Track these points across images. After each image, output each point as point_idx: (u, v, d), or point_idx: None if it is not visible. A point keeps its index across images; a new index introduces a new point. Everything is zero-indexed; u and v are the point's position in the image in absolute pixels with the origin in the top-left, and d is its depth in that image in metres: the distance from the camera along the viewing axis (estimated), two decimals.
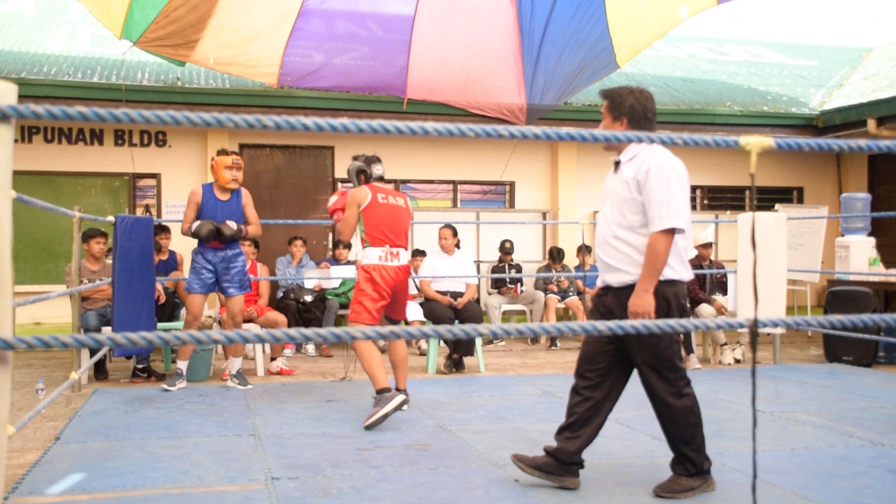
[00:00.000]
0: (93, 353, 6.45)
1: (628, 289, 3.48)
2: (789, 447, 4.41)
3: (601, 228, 3.66)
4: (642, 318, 3.35)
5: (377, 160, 5.48)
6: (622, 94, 3.57)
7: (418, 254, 9.41)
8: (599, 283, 3.70)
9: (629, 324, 2.13)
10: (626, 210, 3.50)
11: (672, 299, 3.47)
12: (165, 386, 6.12)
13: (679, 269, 3.50)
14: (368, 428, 4.81)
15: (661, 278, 3.43)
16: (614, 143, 3.58)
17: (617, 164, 3.62)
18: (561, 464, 3.64)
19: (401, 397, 4.90)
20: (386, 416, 4.82)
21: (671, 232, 3.37)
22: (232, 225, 6.03)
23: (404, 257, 5.25)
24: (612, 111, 3.61)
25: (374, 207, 5.23)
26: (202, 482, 3.72)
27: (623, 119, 3.56)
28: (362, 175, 5.44)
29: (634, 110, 3.54)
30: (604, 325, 2.23)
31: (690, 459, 3.56)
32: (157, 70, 9.60)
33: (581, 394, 3.66)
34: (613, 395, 3.70)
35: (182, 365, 6.27)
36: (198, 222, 6.00)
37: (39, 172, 9.32)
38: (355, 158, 5.53)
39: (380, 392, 4.94)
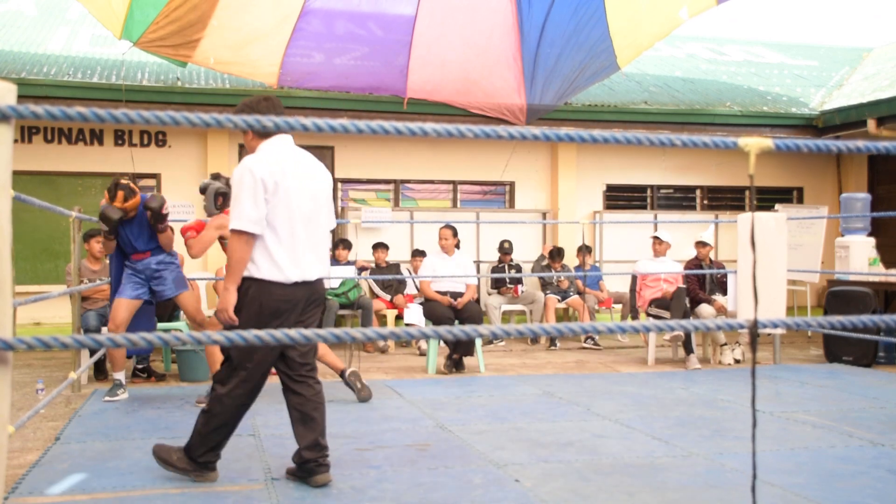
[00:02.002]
0: (92, 353, 6.44)
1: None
2: (789, 447, 4.41)
3: None
4: (222, 314, 3.57)
5: None
6: (238, 108, 3.75)
7: (418, 254, 9.41)
8: None
9: (630, 324, 2.13)
10: None
11: (255, 297, 3.54)
12: (107, 397, 5.76)
13: (266, 269, 3.53)
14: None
15: (246, 275, 3.55)
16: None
17: None
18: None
19: None
20: None
21: (241, 232, 3.49)
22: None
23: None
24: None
25: None
26: (202, 482, 3.72)
27: (247, 131, 3.73)
28: (220, 198, 5.63)
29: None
30: (603, 326, 2.23)
31: (191, 440, 3.68)
32: (156, 70, 9.60)
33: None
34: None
35: (119, 375, 5.88)
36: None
37: (39, 172, 9.32)
38: (215, 178, 5.73)
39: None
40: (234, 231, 3.50)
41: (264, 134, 3.66)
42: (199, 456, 3.68)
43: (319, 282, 3.74)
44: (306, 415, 3.73)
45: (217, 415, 3.63)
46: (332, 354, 5.92)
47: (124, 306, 5.70)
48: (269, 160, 3.57)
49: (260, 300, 3.54)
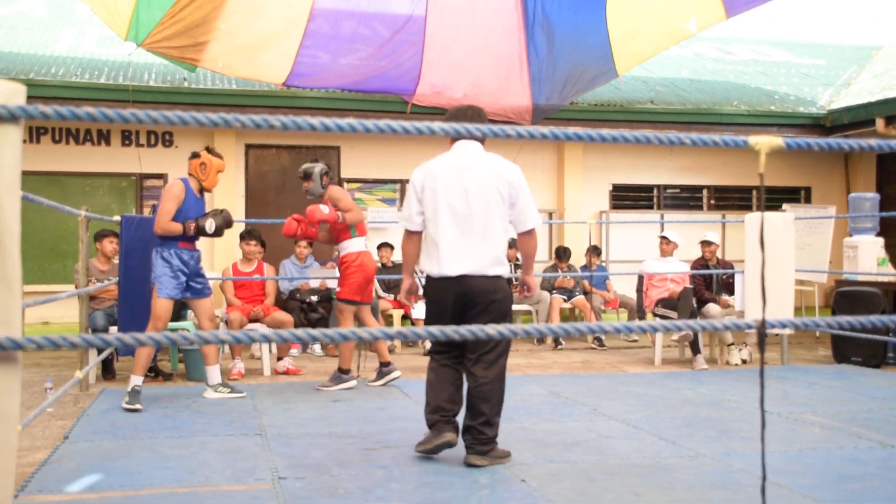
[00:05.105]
0: (100, 352, 6.46)
1: None
2: (797, 448, 4.40)
3: None
4: (403, 294, 4.44)
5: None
6: (448, 116, 4.31)
7: None
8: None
9: (637, 324, 2.13)
10: None
11: (426, 286, 4.21)
12: (135, 405, 5.35)
13: (423, 263, 4.18)
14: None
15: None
16: None
17: None
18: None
19: (354, 382, 6.24)
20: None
21: (405, 230, 4.28)
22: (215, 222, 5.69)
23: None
24: None
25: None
26: (209, 481, 3.73)
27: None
28: (325, 177, 6.24)
29: None
30: (610, 326, 2.22)
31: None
32: (163, 71, 9.62)
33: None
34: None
35: (137, 380, 5.46)
36: (209, 220, 5.60)
37: (47, 173, 9.35)
38: (314, 161, 6.35)
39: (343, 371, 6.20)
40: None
41: (454, 139, 4.16)
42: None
43: (472, 278, 3.96)
44: (468, 400, 4.06)
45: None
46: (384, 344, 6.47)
47: (170, 307, 5.59)
48: (426, 165, 4.17)
49: (427, 290, 4.15)
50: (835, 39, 19.66)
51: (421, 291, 4.30)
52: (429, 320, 4.13)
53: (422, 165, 4.18)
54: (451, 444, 4.03)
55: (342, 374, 6.19)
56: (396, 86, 9.08)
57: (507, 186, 4.03)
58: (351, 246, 6.19)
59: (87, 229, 6.16)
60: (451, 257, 3.97)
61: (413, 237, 4.18)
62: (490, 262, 3.99)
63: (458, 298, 4.00)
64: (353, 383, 6.19)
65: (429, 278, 4.10)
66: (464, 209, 3.98)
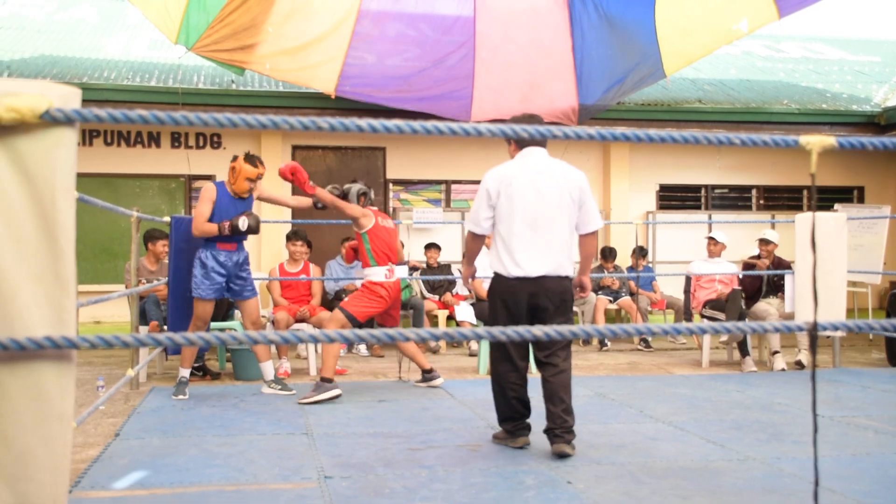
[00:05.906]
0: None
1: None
2: (850, 453, 4.30)
3: None
4: (464, 281, 4.75)
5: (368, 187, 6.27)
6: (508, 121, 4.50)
7: None
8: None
9: (685, 326, 2.10)
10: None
11: (494, 286, 4.36)
12: (179, 396, 5.81)
13: (495, 264, 4.32)
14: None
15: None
16: None
17: None
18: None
19: (337, 391, 5.73)
20: (320, 401, 5.61)
21: (470, 232, 4.48)
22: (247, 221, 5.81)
23: (399, 272, 6.01)
24: None
25: (377, 230, 5.96)
26: (256, 480, 3.77)
27: (510, 143, 4.52)
28: (362, 197, 6.09)
29: None
30: (658, 328, 2.19)
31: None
32: (212, 73, 9.77)
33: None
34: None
35: (185, 373, 5.95)
36: (243, 218, 5.74)
37: (99, 175, 9.55)
38: (353, 182, 6.19)
39: (325, 380, 5.72)
40: (469, 231, 4.43)
41: (518, 146, 4.36)
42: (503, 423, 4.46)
43: (549, 279, 4.17)
44: (547, 390, 4.23)
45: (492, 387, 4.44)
46: (420, 354, 6.34)
47: (210, 307, 5.90)
48: (499, 172, 4.28)
49: (496, 289, 4.29)
50: (890, 36, 19.17)
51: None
52: (499, 321, 4.22)
53: (493, 172, 4.30)
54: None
55: (324, 381, 5.72)
56: (451, 107, 9.04)
57: (577, 191, 4.30)
58: (371, 274, 5.86)
59: (138, 230, 6.28)
60: (529, 258, 4.16)
61: (479, 238, 4.44)
62: (563, 263, 4.22)
63: (531, 298, 4.18)
64: (336, 391, 5.70)
65: (502, 278, 4.23)
66: (538, 212, 4.19)
